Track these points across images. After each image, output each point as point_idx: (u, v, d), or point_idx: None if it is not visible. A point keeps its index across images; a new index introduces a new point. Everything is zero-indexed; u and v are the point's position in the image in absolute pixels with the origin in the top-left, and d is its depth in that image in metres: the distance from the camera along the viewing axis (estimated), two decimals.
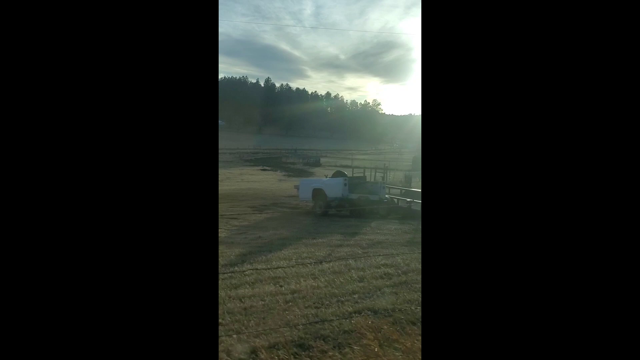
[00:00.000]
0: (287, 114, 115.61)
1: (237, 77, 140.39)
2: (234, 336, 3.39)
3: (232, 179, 27.17)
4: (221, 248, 7.35)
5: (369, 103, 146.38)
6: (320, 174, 30.21)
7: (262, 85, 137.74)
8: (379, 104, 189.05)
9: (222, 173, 31.70)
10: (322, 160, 48.18)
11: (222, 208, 12.79)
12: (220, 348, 3.14)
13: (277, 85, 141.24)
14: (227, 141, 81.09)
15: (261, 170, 37.63)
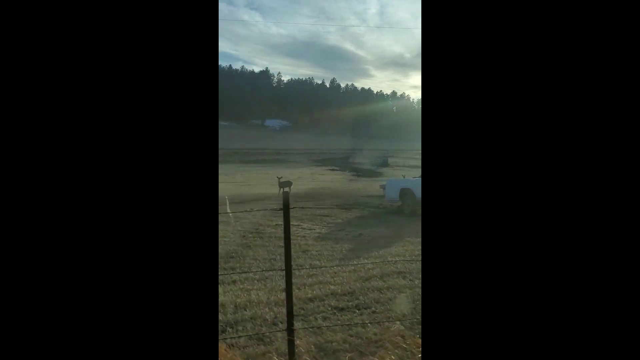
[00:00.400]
0: (352, 114, 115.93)
1: (303, 79, 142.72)
2: (397, 322, 3.63)
3: (303, 179, 27.82)
4: (329, 244, 7.70)
5: None
6: (389, 174, 30.11)
7: (328, 85, 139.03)
8: None
9: (295, 173, 32.57)
10: (390, 160, 47.87)
11: (310, 205, 13.25)
12: (387, 335, 3.38)
13: (342, 85, 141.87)
14: (294, 142, 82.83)
15: (330, 170, 38.18)
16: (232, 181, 27.35)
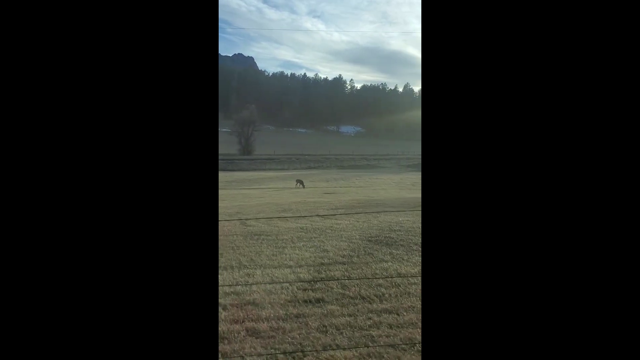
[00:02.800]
0: None
1: (376, 85, 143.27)
2: None
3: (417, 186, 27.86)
4: None
5: None
6: None
7: (401, 90, 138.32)
8: None
9: (404, 179, 32.87)
10: None
11: None
12: None
13: (415, 90, 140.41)
14: (370, 147, 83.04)
15: None
16: (355, 186, 28.40)
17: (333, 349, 3.30)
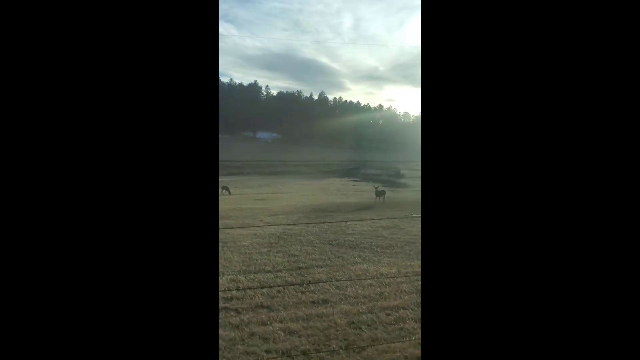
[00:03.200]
0: (340, 126, 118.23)
1: (293, 92, 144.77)
2: None
3: (348, 189, 28.85)
4: None
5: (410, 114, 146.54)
6: (416, 184, 31.55)
7: (316, 98, 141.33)
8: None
9: (329, 184, 33.71)
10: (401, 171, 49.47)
11: None
12: None
13: (330, 98, 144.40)
14: (289, 154, 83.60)
15: (354, 181, 39.29)
16: (282, 192, 28.44)
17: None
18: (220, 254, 6.86)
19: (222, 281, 5.13)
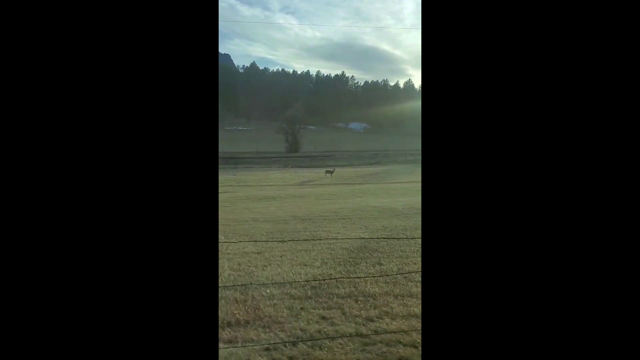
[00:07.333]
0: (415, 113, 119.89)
1: (378, 82, 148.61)
2: None
3: None
4: None
5: None
6: None
7: (401, 87, 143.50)
8: None
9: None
10: None
11: None
12: None
13: (416, 86, 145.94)
14: (381, 144, 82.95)
15: None
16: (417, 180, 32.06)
17: None
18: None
19: None
